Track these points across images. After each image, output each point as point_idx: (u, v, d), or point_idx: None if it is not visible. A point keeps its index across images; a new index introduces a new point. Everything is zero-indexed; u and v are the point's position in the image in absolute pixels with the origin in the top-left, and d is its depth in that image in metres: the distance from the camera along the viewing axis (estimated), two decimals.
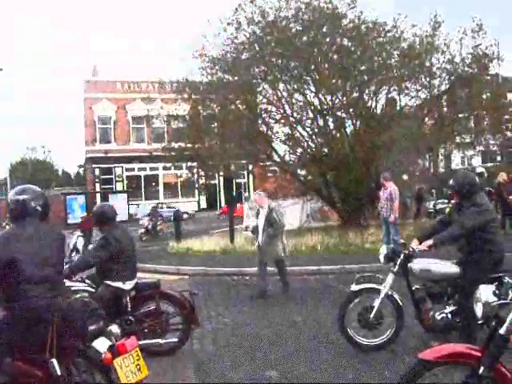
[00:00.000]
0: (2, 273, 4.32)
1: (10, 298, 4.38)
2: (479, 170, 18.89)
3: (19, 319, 4.34)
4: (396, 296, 6.73)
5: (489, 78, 20.95)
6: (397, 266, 6.68)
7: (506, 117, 24.98)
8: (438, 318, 6.48)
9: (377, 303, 6.63)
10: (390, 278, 6.70)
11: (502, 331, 3.40)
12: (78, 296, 4.68)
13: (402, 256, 6.68)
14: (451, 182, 6.88)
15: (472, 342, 5.86)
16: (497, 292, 3.53)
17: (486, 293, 3.55)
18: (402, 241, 7.16)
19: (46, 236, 4.68)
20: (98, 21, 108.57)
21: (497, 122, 22.28)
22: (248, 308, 9.79)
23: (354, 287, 6.88)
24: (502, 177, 18.00)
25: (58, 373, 4.25)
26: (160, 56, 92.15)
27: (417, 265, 6.66)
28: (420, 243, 6.69)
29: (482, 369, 3.38)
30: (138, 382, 4.39)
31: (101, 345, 4.36)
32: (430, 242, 6.61)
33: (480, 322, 6.27)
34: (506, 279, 6.41)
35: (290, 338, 7.56)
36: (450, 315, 6.48)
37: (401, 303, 6.70)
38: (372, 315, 6.62)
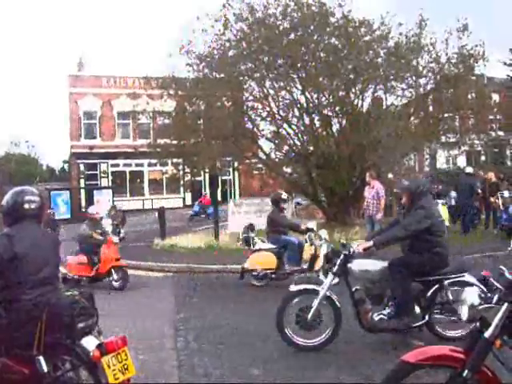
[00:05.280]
0: (4, 268, 4.33)
1: (4, 300, 4.37)
2: (468, 170, 18.99)
3: (10, 320, 4.33)
4: (334, 297, 6.78)
5: (474, 78, 21.05)
6: (336, 267, 6.74)
7: (491, 117, 25.22)
8: (376, 319, 6.61)
9: (315, 304, 6.67)
10: (329, 278, 6.77)
11: (486, 335, 3.40)
12: (68, 293, 4.65)
13: (341, 256, 6.73)
14: (404, 182, 7.06)
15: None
16: (482, 295, 3.52)
17: (471, 295, 3.55)
18: (343, 241, 7.20)
19: (44, 238, 4.71)
20: (84, 14, 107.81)
21: (482, 122, 22.44)
22: (233, 305, 9.79)
23: (293, 288, 6.95)
24: (492, 178, 18.21)
25: (45, 370, 4.26)
26: (147, 51, 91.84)
27: (356, 265, 6.75)
28: None
29: (466, 372, 3.38)
30: (125, 381, 4.37)
31: (89, 342, 4.35)
32: (369, 243, 6.75)
33: (417, 324, 6.54)
34: (445, 282, 6.62)
35: (275, 335, 7.55)
36: (387, 317, 6.59)
37: (339, 304, 6.75)
38: (309, 316, 6.68)
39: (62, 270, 12.73)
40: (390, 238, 6.93)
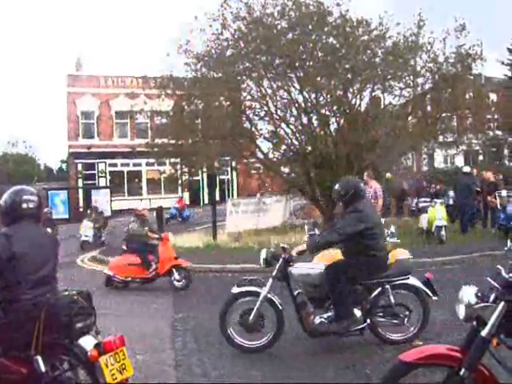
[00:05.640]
0: (2, 268, 4.33)
1: (4, 300, 4.37)
2: (466, 169, 19.04)
3: (9, 321, 4.33)
4: (276, 300, 6.83)
5: (472, 77, 21.07)
6: (275, 271, 6.80)
7: (489, 117, 25.24)
8: (316, 322, 6.64)
9: (256, 306, 6.73)
10: (270, 281, 6.81)
11: (483, 334, 3.41)
12: (66, 293, 4.66)
13: (280, 260, 6.76)
14: (336, 187, 7.11)
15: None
16: (479, 294, 3.53)
17: (468, 294, 3.56)
18: (283, 245, 7.23)
19: (43, 238, 4.72)
20: (82, 14, 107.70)
21: (479, 122, 22.44)
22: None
23: (235, 289, 7.01)
24: (490, 177, 18.22)
25: (43, 370, 4.26)
26: (145, 50, 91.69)
27: (296, 269, 6.83)
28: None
29: (463, 370, 3.39)
30: (123, 381, 4.37)
31: (87, 342, 4.36)
32: (303, 247, 6.83)
33: (358, 327, 6.49)
34: (387, 286, 6.65)
35: None
36: (327, 320, 6.63)
37: (281, 307, 6.81)
38: (251, 318, 6.73)
39: (107, 271, 12.32)
40: (322, 241, 7.00)
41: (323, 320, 6.61)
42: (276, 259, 6.87)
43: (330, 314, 6.64)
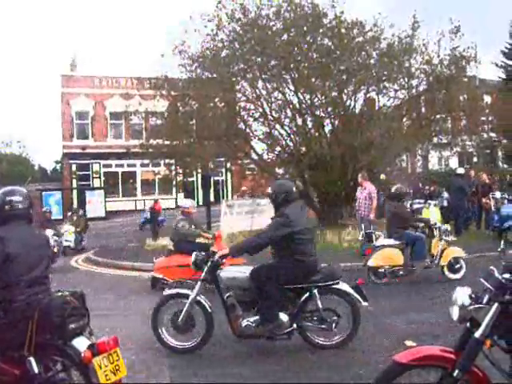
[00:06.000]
0: None
1: (4, 300, 4.36)
2: (459, 171, 19.11)
3: (9, 321, 4.32)
4: (205, 302, 6.89)
5: (466, 79, 21.14)
6: (203, 274, 6.84)
7: (483, 118, 25.32)
8: (243, 325, 6.67)
9: (184, 308, 6.80)
10: (198, 284, 6.87)
11: (477, 335, 3.42)
12: (59, 294, 4.65)
13: (208, 263, 6.81)
14: (269, 189, 7.17)
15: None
16: (473, 295, 3.53)
17: (461, 296, 3.56)
18: (213, 248, 7.25)
19: (34, 238, 4.72)
20: (77, 14, 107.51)
21: (473, 124, 22.53)
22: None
23: (167, 291, 7.22)
24: (485, 179, 18.27)
25: (35, 371, 4.25)
26: (140, 51, 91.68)
27: (224, 272, 6.85)
28: None
29: (456, 371, 3.40)
30: (116, 382, 4.36)
31: (80, 343, 4.35)
32: (225, 251, 6.84)
33: (285, 331, 6.55)
34: (315, 290, 6.63)
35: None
36: (254, 324, 6.65)
37: (210, 310, 6.86)
38: (180, 319, 6.80)
39: (154, 274, 11.73)
40: (245, 245, 7.03)
41: (249, 323, 6.64)
42: (205, 262, 6.88)
43: (257, 317, 6.66)
